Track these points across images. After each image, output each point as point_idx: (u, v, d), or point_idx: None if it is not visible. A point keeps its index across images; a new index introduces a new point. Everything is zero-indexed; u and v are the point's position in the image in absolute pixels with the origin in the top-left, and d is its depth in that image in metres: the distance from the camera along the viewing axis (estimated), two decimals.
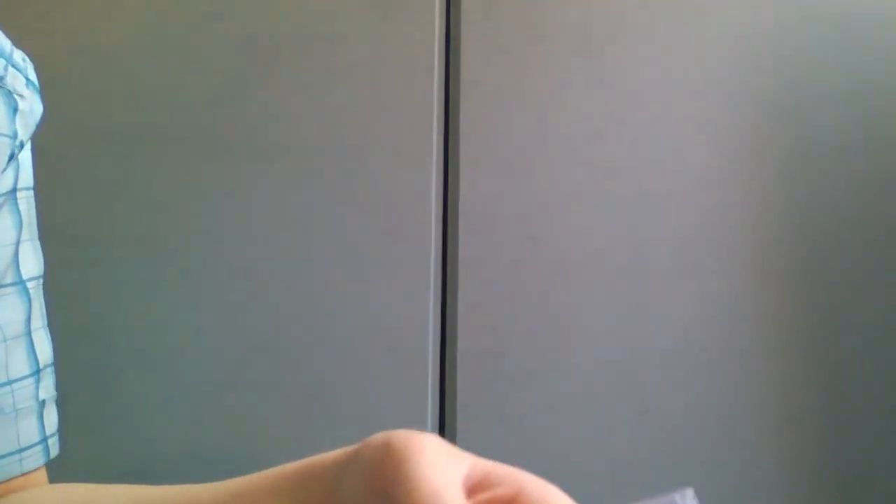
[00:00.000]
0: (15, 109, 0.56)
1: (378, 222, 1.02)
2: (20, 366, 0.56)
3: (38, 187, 0.59)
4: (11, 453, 0.56)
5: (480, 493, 0.37)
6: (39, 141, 0.59)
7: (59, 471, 0.59)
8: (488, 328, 1.03)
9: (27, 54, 0.59)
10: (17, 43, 0.58)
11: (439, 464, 0.35)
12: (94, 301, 1.02)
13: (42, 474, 0.59)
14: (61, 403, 0.60)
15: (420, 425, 1.02)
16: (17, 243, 0.56)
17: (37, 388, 0.57)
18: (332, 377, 1.02)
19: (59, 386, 0.60)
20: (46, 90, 0.59)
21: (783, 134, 1.02)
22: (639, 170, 1.02)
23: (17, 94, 0.56)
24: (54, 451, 0.59)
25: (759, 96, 1.01)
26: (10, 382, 0.56)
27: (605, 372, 1.02)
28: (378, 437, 0.38)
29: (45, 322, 0.59)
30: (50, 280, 0.60)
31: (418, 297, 1.02)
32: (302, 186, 1.02)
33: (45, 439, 0.58)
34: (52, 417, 0.59)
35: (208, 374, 1.02)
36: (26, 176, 0.57)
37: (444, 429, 1.04)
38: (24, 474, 0.57)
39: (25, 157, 0.57)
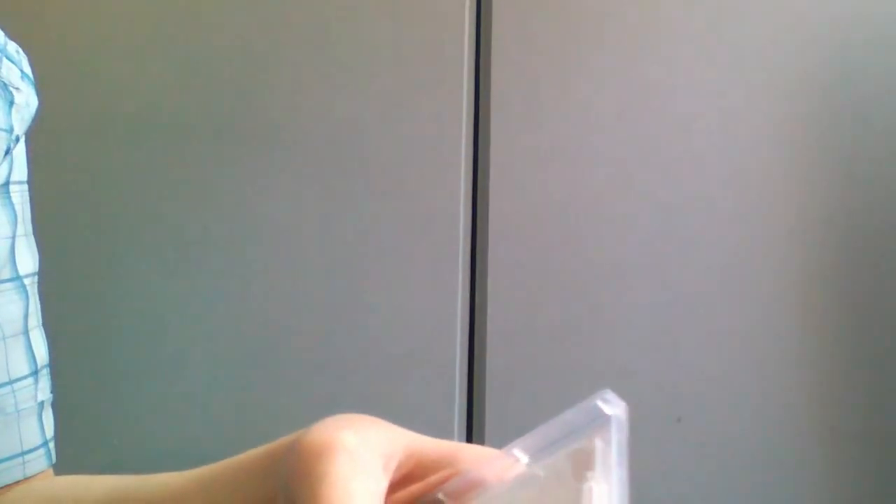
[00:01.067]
0: (10, 103, 0.54)
1: (404, 224, 1.00)
2: (20, 365, 0.55)
3: (35, 182, 0.57)
4: (14, 456, 0.54)
5: (412, 482, 0.35)
6: (35, 134, 0.58)
7: (56, 471, 0.57)
8: (517, 334, 1.00)
9: (22, 47, 0.57)
10: (12, 35, 0.57)
11: (349, 477, 0.31)
12: (96, 298, 1.01)
13: (48, 478, 0.58)
14: (62, 405, 0.58)
15: (447, 433, 1.00)
16: (13, 238, 0.55)
17: (35, 388, 0.56)
18: (355, 383, 1.00)
19: (59, 387, 0.58)
20: (42, 83, 0.58)
21: (821, 134, 0.98)
22: (675, 170, 0.99)
23: (13, 87, 0.55)
24: (53, 456, 0.57)
25: (805, 93, 0.98)
26: (10, 382, 0.54)
27: (639, 379, 1.00)
28: (296, 434, 0.35)
29: (40, 322, 0.57)
30: (48, 277, 0.58)
31: (446, 302, 1.00)
32: (325, 188, 1.00)
33: (46, 442, 0.56)
34: (49, 420, 0.57)
35: (222, 377, 1.01)
36: (20, 169, 0.56)
37: (472, 437, 1.01)
38: (27, 478, 0.55)
39: (19, 150, 0.56)
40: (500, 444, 1.08)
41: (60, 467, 0.57)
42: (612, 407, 0.32)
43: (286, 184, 1.01)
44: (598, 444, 0.31)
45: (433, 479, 0.35)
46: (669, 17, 0.99)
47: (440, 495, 0.34)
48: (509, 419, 1.00)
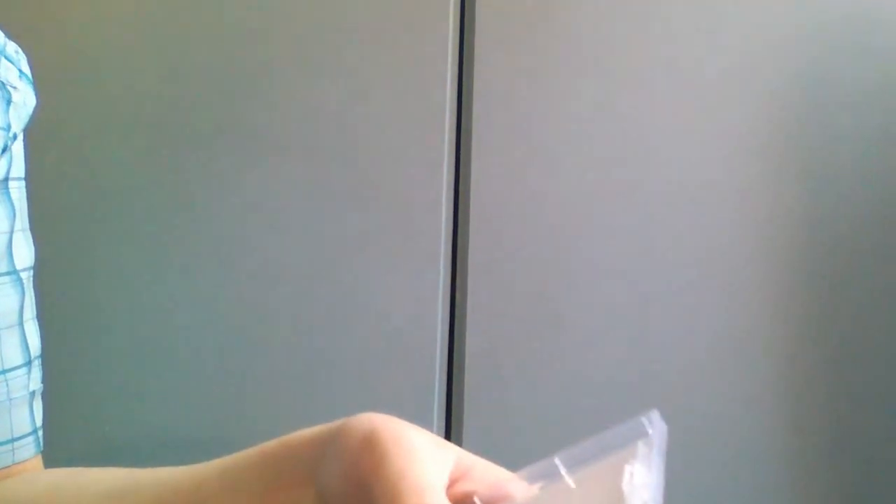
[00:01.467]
0: (8, 101, 0.56)
1: (386, 219, 1.02)
2: (14, 356, 0.57)
3: (31, 179, 0.59)
4: (4, 443, 0.56)
5: (461, 486, 0.36)
6: (32, 132, 0.60)
7: (50, 460, 0.59)
8: (498, 328, 1.02)
9: (21, 47, 0.59)
10: (12, 35, 0.59)
11: (424, 461, 0.34)
12: (88, 290, 1.02)
13: (37, 464, 0.60)
14: (55, 393, 0.60)
15: (426, 425, 1.02)
16: (10, 233, 0.56)
17: (28, 378, 0.58)
18: (336, 375, 1.02)
19: (52, 376, 0.60)
20: (40, 83, 0.59)
21: (804, 133, 1.01)
22: (655, 167, 1.01)
23: (10, 87, 0.57)
24: (42, 443, 0.59)
25: (781, 95, 1.00)
26: (4, 372, 0.56)
27: (617, 374, 1.01)
28: (362, 421, 0.37)
29: (35, 314, 0.59)
30: (44, 271, 0.60)
31: (427, 295, 1.02)
32: (306, 182, 1.02)
33: (35, 430, 0.58)
34: (39, 410, 0.59)
35: (210, 366, 1.02)
36: (18, 166, 0.57)
37: (451, 429, 1.03)
38: (16, 463, 0.57)
39: (18, 148, 0.58)
40: (477, 437, 1.10)
41: (55, 456, 0.59)
42: (655, 426, 0.34)
43: (270, 180, 1.02)
44: (640, 446, 0.33)
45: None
46: (653, 15, 1.01)
47: (476, 500, 0.35)
48: (489, 413, 1.02)
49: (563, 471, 0.34)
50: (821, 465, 1.01)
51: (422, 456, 0.34)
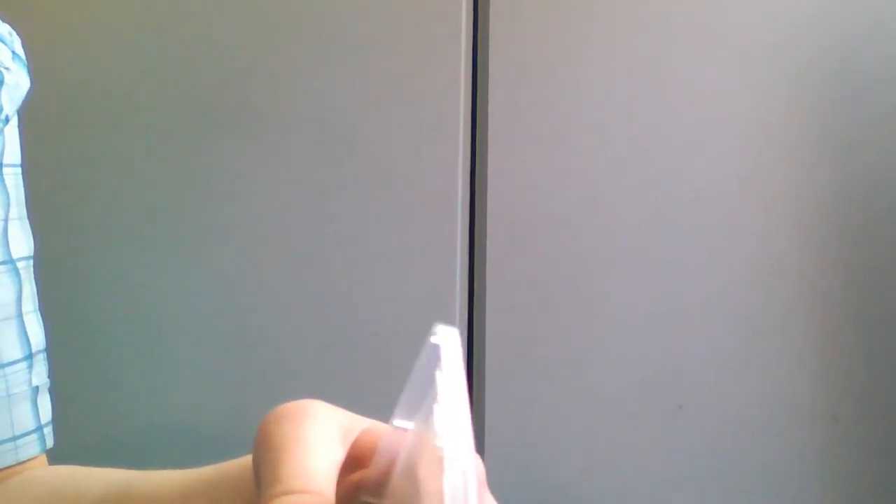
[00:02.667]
0: (0, 83, 0.54)
1: (401, 212, 0.99)
2: (12, 350, 0.54)
3: (27, 167, 0.57)
4: (5, 441, 0.54)
5: (361, 467, 0.34)
6: (28, 121, 0.58)
7: (53, 455, 0.57)
8: (517, 321, 0.99)
9: (15, 29, 0.57)
10: (6, 17, 0.57)
11: (310, 445, 0.31)
12: (86, 285, 1.00)
13: (42, 463, 0.57)
14: (56, 389, 0.58)
15: None
16: (6, 221, 0.54)
17: (29, 373, 0.55)
18: (349, 371, 0.99)
19: (53, 372, 0.58)
20: (34, 65, 0.57)
21: (836, 121, 0.98)
22: (677, 156, 0.98)
23: (3, 68, 0.54)
24: (49, 441, 0.57)
25: (809, 82, 0.98)
26: (1, 367, 0.54)
27: (639, 366, 0.99)
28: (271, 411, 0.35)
29: (37, 306, 0.57)
30: (41, 263, 0.58)
31: (444, 290, 0.99)
32: (318, 174, 1.00)
33: (40, 427, 0.56)
34: (45, 406, 0.56)
35: (215, 364, 1.00)
36: (13, 152, 0.55)
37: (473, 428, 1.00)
38: (20, 463, 0.54)
39: (11, 132, 0.55)
40: (499, 433, 1.07)
41: (54, 453, 0.57)
42: (443, 338, 0.33)
43: (278, 169, 1.00)
44: (437, 374, 0.31)
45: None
46: (670, 5, 0.98)
47: (364, 499, 0.34)
48: (509, 409, 0.99)
49: (409, 425, 0.33)
50: (856, 457, 0.98)
51: (308, 439, 0.31)
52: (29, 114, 0.58)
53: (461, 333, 0.99)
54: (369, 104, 0.99)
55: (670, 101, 0.98)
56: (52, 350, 0.58)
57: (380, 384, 0.99)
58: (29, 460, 0.55)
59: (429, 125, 0.99)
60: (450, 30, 0.99)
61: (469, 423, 0.31)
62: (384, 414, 0.35)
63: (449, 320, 0.99)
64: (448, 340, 0.33)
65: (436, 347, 0.32)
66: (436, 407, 0.31)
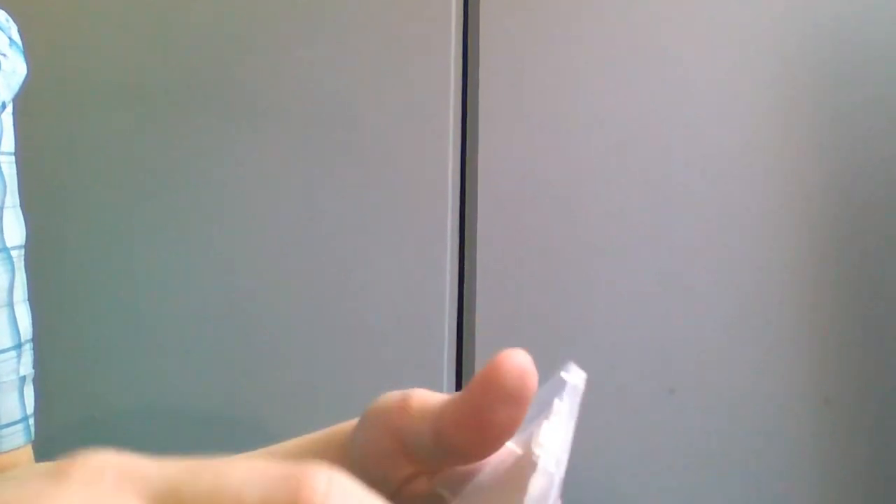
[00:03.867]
0: None
1: (391, 194, 0.99)
2: (3, 338, 0.54)
3: (18, 154, 0.56)
4: None
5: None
6: (23, 103, 0.57)
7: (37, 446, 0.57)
8: (506, 304, 0.99)
9: (11, 15, 0.56)
10: (1, 5, 0.56)
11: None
12: (74, 272, 1.00)
13: (27, 454, 0.57)
14: (44, 378, 0.58)
15: None
16: (1, 209, 0.53)
17: (18, 363, 0.55)
18: (343, 356, 0.99)
19: (40, 360, 0.58)
20: (31, 50, 0.56)
21: (833, 108, 0.97)
22: (670, 140, 0.98)
23: (0, 54, 0.53)
24: (33, 432, 0.57)
25: (797, 85, 0.97)
26: None
27: (630, 349, 0.99)
28: None
29: (26, 295, 0.57)
30: (31, 250, 0.57)
31: (434, 273, 0.99)
32: (308, 163, 0.99)
33: (25, 418, 0.56)
34: (30, 396, 0.56)
35: (206, 353, 1.00)
36: (8, 139, 0.55)
37: None
38: (4, 453, 0.54)
39: (7, 119, 0.55)
40: None
41: (41, 442, 0.57)
42: (572, 376, 0.35)
43: (270, 156, 0.99)
44: (556, 401, 0.33)
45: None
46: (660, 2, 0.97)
47: (439, 489, 0.34)
48: None
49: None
50: (847, 441, 0.98)
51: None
52: (22, 100, 0.57)
53: (451, 317, 1.00)
54: (359, 89, 0.98)
55: (665, 85, 0.98)
56: (39, 338, 0.57)
57: (369, 372, 0.99)
58: (13, 450, 0.55)
59: (419, 111, 0.98)
60: (440, 13, 0.98)
61: (569, 447, 0.31)
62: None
63: (439, 304, 0.99)
64: (576, 380, 0.34)
65: (562, 382, 0.34)
66: (545, 423, 0.31)
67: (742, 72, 0.97)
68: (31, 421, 0.56)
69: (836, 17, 0.96)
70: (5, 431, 0.54)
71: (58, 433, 0.59)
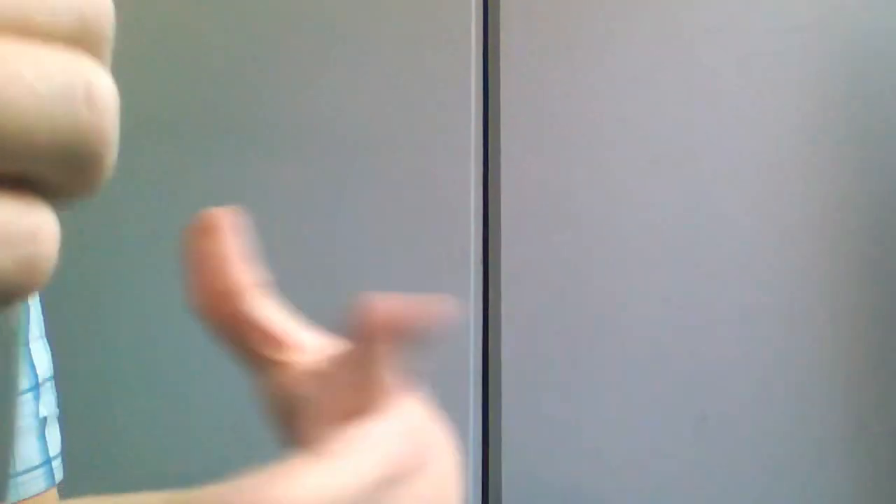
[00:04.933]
0: None
1: (413, 220, 0.96)
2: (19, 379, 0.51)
3: None
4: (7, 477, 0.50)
5: None
6: None
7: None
8: (533, 332, 0.96)
9: None
10: None
11: None
12: (88, 303, 0.97)
13: (52, 497, 0.54)
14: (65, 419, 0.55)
15: (462, 436, 0.96)
16: None
17: (37, 404, 0.52)
18: None
19: (62, 402, 0.54)
20: None
21: (858, 117, 0.94)
22: (695, 157, 0.95)
23: None
24: (59, 474, 0.53)
25: (817, 91, 0.94)
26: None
27: (661, 377, 0.96)
28: None
29: (43, 332, 0.53)
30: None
31: (458, 300, 0.96)
32: (328, 183, 0.96)
33: (48, 461, 0.52)
34: (54, 437, 0.53)
35: (220, 380, 0.97)
36: None
37: (489, 438, 0.97)
38: (21, 501, 0.51)
39: None
40: (517, 449, 1.03)
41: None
42: None
43: (291, 182, 0.97)
44: None
45: None
46: (682, 10, 0.95)
47: None
48: (525, 421, 0.96)
49: None
50: (882, 467, 0.95)
51: None
52: None
53: (477, 343, 0.96)
54: (380, 113, 0.96)
55: (688, 100, 0.95)
56: (64, 380, 0.54)
57: None
58: (33, 497, 0.52)
59: (440, 136, 0.96)
60: (460, 36, 0.96)
61: None
62: None
63: (463, 329, 0.96)
64: None
65: None
66: None
67: (771, 85, 0.95)
68: (57, 462, 0.53)
69: (863, 32, 0.94)
70: (24, 478, 0.51)
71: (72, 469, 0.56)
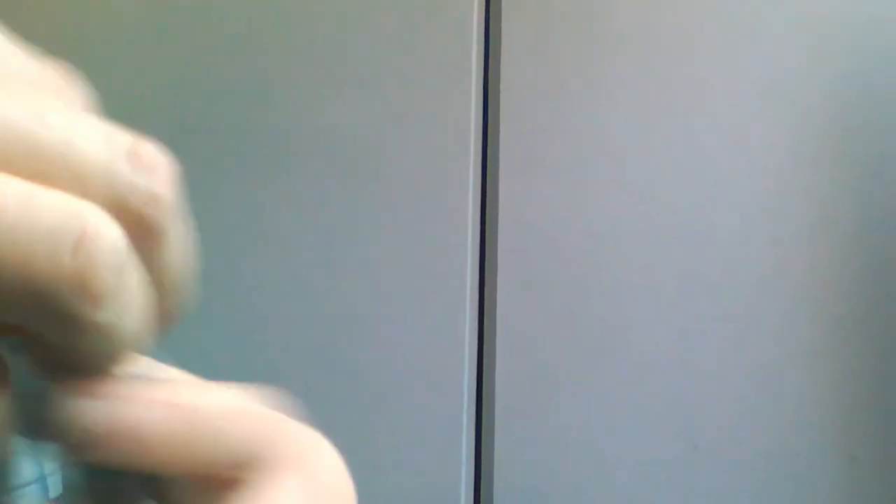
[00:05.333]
0: None
1: (410, 238, 0.96)
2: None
3: None
4: None
5: None
6: None
7: None
8: (527, 355, 0.96)
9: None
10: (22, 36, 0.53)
11: None
12: None
13: None
14: None
15: (454, 455, 0.96)
16: None
17: None
18: (358, 414, 0.96)
19: None
20: None
21: (860, 136, 0.95)
22: (694, 180, 0.95)
23: None
24: (54, 490, 0.53)
25: (819, 105, 0.95)
26: None
27: (653, 405, 0.96)
28: None
29: None
30: None
31: (453, 318, 0.96)
32: (324, 202, 0.97)
33: (43, 478, 0.52)
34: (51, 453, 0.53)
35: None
36: None
37: (482, 462, 0.98)
38: None
39: None
40: (509, 474, 1.03)
41: None
42: None
43: (290, 206, 0.97)
44: None
45: None
46: (686, 22, 0.96)
47: None
48: (518, 446, 0.96)
49: None
50: (874, 499, 0.95)
51: None
52: None
53: (471, 365, 0.97)
54: (380, 139, 0.97)
55: (690, 125, 0.96)
56: None
57: (386, 431, 0.96)
58: None
59: (440, 162, 0.96)
60: (461, 61, 0.97)
61: None
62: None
63: (458, 352, 0.96)
64: None
65: None
66: None
67: (768, 123, 0.96)
68: (55, 478, 0.53)
69: (857, 68, 0.95)
70: (12, 496, 0.51)
71: None
